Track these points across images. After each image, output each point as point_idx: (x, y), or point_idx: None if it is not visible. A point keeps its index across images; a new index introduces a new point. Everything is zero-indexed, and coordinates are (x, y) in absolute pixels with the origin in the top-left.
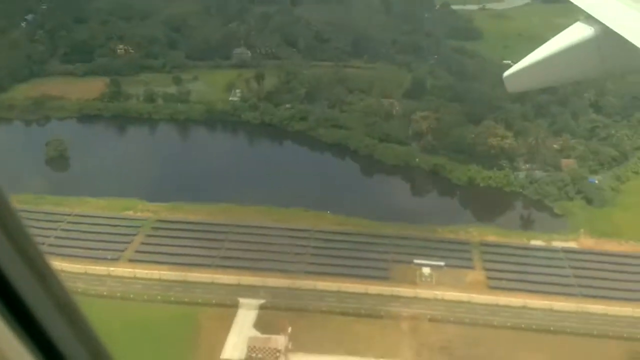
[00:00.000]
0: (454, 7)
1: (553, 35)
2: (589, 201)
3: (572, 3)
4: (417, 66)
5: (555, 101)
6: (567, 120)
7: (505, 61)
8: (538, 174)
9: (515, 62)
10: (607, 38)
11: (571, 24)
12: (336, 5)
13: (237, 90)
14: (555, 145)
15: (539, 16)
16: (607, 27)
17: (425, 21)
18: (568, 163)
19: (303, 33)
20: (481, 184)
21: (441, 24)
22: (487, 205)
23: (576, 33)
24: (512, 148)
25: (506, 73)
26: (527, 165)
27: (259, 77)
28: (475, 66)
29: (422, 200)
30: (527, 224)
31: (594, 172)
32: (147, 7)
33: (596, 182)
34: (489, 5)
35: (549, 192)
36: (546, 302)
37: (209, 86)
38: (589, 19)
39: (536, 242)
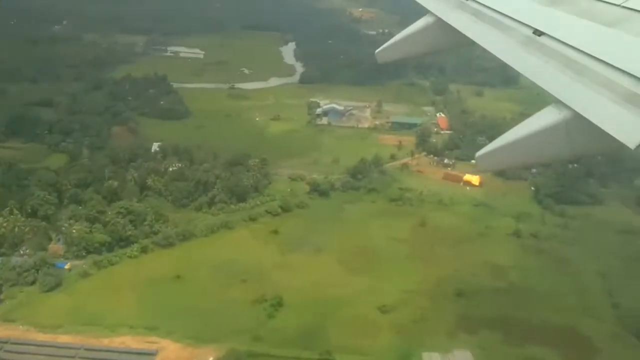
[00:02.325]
0: (187, 85)
1: (253, 115)
2: (41, 287)
3: (322, 88)
4: (65, 147)
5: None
6: (98, 206)
7: (155, 142)
8: (15, 259)
9: (166, 142)
10: (576, 123)
11: (303, 104)
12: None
13: None
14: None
15: (277, 97)
16: (575, 112)
17: (144, 100)
18: (56, 248)
19: None
20: None
21: (151, 103)
22: None
23: (547, 116)
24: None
25: (478, 153)
26: (21, 251)
27: None
28: (113, 149)
29: None
30: None
31: (79, 257)
32: None
33: (66, 267)
34: (246, 85)
35: (9, 277)
36: None
37: None
38: (559, 103)
39: None
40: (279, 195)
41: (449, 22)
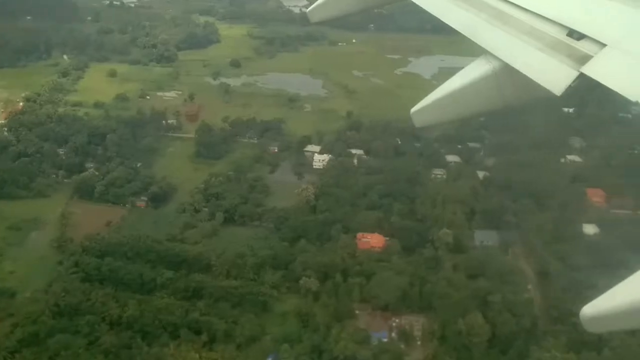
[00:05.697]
0: None
1: None
2: None
3: None
4: None
5: None
6: None
7: None
8: None
9: None
10: (505, 73)
11: None
12: None
13: None
14: None
15: None
16: (504, 62)
17: None
18: None
19: None
20: None
21: None
22: None
23: (477, 68)
24: None
25: (413, 109)
26: None
27: None
28: None
29: None
30: None
31: None
32: None
33: None
34: None
35: None
36: None
37: None
38: (488, 54)
39: None
40: None
41: None
